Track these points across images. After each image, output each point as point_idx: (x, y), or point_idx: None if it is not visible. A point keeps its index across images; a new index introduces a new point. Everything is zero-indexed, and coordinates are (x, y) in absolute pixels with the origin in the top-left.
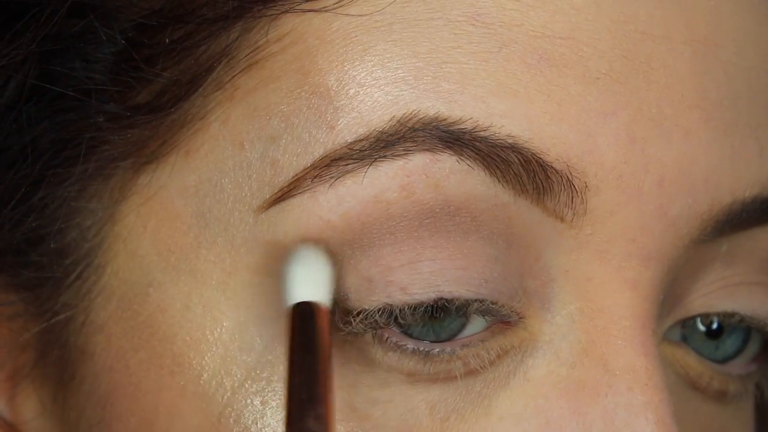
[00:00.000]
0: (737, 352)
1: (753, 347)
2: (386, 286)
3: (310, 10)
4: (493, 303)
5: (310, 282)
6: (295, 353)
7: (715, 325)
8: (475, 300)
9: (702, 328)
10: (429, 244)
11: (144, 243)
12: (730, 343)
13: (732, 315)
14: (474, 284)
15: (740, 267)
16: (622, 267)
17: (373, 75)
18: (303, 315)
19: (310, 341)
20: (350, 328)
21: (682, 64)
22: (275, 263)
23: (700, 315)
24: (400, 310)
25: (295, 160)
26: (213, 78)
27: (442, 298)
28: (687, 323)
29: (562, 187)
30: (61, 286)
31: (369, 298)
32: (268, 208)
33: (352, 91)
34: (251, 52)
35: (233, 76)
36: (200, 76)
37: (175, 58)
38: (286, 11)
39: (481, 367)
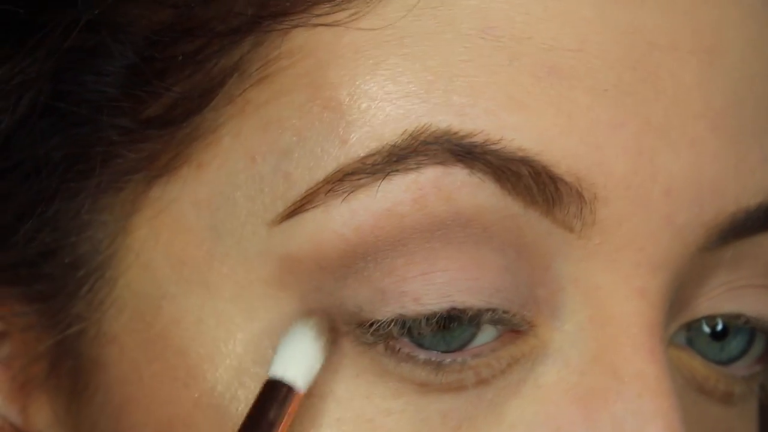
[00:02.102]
0: (742, 353)
1: (757, 348)
2: (400, 296)
3: (321, 25)
4: (504, 312)
5: (292, 361)
6: (245, 422)
7: (719, 327)
8: (488, 309)
9: (707, 330)
10: (441, 255)
11: (156, 256)
12: (735, 345)
13: (737, 316)
14: (486, 294)
15: (745, 271)
16: (630, 276)
17: (384, 89)
18: (270, 392)
19: (263, 420)
20: (364, 339)
21: (689, 74)
22: (289, 276)
23: (705, 317)
24: (413, 320)
25: (307, 174)
26: (224, 92)
27: (455, 308)
28: (692, 326)
29: (572, 199)
30: (73, 298)
31: (382, 309)
32: (281, 221)
33: (363, 105)
34: (262, 65)
35: (244, 90)
36: (212, 90)
37: (186, 71)
38: (297, 25)
39: (492, 376)
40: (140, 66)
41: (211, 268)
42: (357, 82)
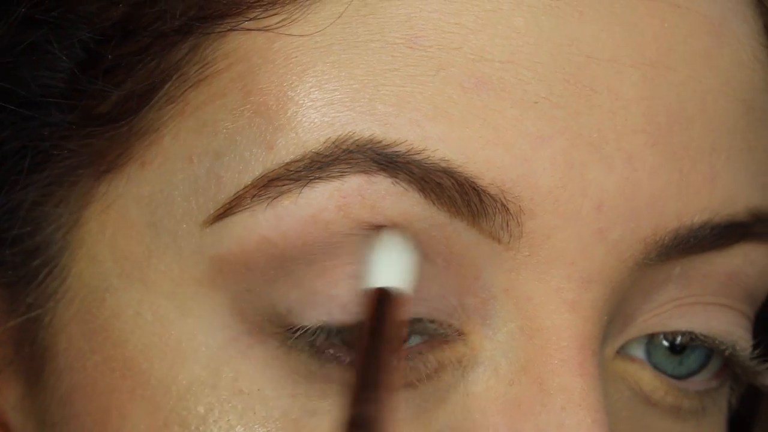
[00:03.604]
0: (701, 367)
1: (716, 363)
2: (328, 301)
3: (253, 29)
4: (430, 322)
5: (391, 268)
6: (365, 338)
7: (678, 340)
8: (413, 320)
9: (665, 343)
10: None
11: (103, 249)
12: (693, 359)
13: (685, 333)
14: (411, 304)
15: (695, 288)
16: (561, 288)
17: (310, 96)
18: (378, 301)
19: (381, 328)
20: (291, 342)
21: (629, 88)
22: (219, 277)
23: (654, 333)
24: (337, 329)
25: (236, 177)
26: (165, 92)
27: None
28: (652, 340)
29: (497, 211)
30: (30, 285)
31: (310, 313)
32: (212, 223)
33: (290, 112)
34: (201, 67)
35: (184, 91)
36: (154, 90)
37: (130, 70)
38: (232, 29)
39: (418, 380)
40: (88, 63)
41: (150, 264)
42: (285, 89)
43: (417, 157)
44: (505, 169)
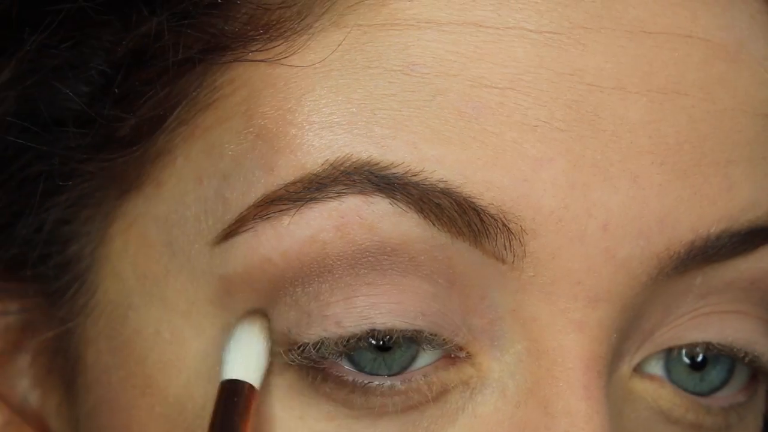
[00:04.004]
0: (723, 383)
1: (740, 377)
2: (323, 320)
3: (256, 60)
4: (432, 335)
5: (241, 360)
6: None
7: (700, 357)
8: (412, 330)
9: (687, 360)
10: (365, 280)
11: (126, 267)
12: (715, 375)
13: (701, 345)
14: (410, 317)
15: (713, 298)
16: (567, 308)
17: (309, 119)
18: (227, 393)
19: (228, 422)
20: (296, 361)
21: (634, 113)
22: (227, 297)
23: (671, 348)
24: (335, 343)
25: (241, 198)
26: (176, 116)
27: (375, 330)
28: (671, 357)
29: (498, 231)
30: (63, 298)
31: (307, 331)
32: (219, 243)
33: (289, 135)
34: (209, 92)
35: (194, 115)
36: (166, 114)
37: (144, 97)
38: (236, 59)
39: (422, 403)
40: (105, 90)
41: (167, 283)
42: (284, 112)
43: (414, 178)
44: (504, 189)
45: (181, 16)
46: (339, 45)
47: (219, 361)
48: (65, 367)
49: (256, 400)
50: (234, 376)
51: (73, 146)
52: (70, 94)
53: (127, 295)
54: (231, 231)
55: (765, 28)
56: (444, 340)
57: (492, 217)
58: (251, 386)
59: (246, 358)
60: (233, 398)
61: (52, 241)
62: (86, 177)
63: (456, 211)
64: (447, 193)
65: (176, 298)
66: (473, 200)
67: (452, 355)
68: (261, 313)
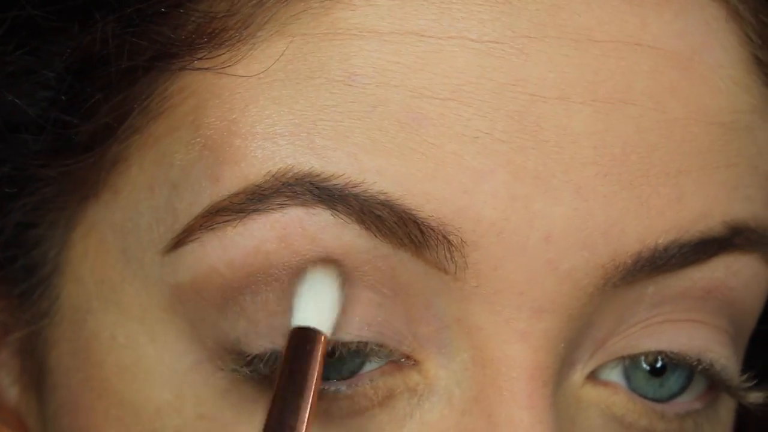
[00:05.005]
0: (682, 389)
1: (700, 384)
2: (270, 331)
3: (202, 69)
4: (379, 345)
5: (312, 307)
6: (281, 379)
7: (659, 364)
8: (357, 343)
9: (646, 366)
10: None
11: (86, 272)
12: (674, 380)
13: (653, 353)
14: (354, 327)
15: (665, 307)
16: (511, 319)
17: (252, 130)
18: (297, 341)
19: (297, 369)
20: (244, 369)
21: (578, 123)
22: (177, 305)
23: (624, 357)
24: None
25: (189, 208)
26: (130, 123)
27: None
28: (631, 363)
29: (438, 242)
30: (28, 301)
31: (257, 342)
32: (169, 252)
33: (234, 146)
34: (160, 101)
35: (147, 122)
36: (119, 121)
37: (98, 103)
38: (182, 68)
39: (369, 407)
40: (59, 95)
41: (122, 289)
42: (228, 123)
43: (355, 189)
44: (444, 201)
45: (128, 24)
46: (281, 55)
47: (172, 366)
48: (34, 368)
49: (325, 346)
50: (306, 324)
51: (30, 151)
52: (17, 102)
53: (86, 300)
54: (179, 241)
55: (722, 34)
56: (390, 350)
57: (432, 230)
58: (323, 334)
59: (318, 305)
60: (305, 345)
61: (17, 245)
62: (47, 181)
63: (396, 223)
64: (387, 204)
65: (131, 303)
66: (413, 212)
67: (399, 361)
68: (332, 260)
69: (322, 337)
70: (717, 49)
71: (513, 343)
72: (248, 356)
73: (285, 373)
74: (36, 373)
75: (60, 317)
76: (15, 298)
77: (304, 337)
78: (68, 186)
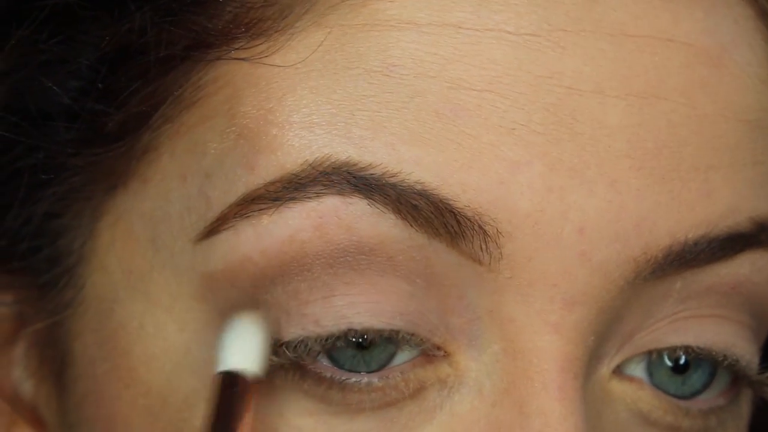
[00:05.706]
0: (705, 386)
1: (722, 380)
2: (301, 318)
3: (239, 59)
4: (410, 335)
5: (237, 350)
6: (209, 423)
7: (682, 360)
8: (390, 330)
9: (669, 363)
10: (343, 280)
11: (113, 261)
12: (696, 378)
13: (680, 348)
14: (387, 316)
15: (692, 302)
16: (543, 310)
17: (289, 119)
18: (224, 384)
19: (226, 413)
20: (275, 360)
21: (613, 117)
22: (209, 293)
23: (651, 351)
24: (314, 341)
25: (223, 197)
26: (162, 113)
27: (352, 329)
28: (654, 360)
29: (474, 233)
30: (52, 291)
31: (287, 330)
32: (201, 240)
33: (270, 134)
34: (194, 90)
35: (180, 112)
36: (152, 110)
37: (131, 92)
38: (219, 57)
39: (399, 400)
40: (92, 85)
41: (151, 278)
42: (265, 112)
43: (392, 179)
44: (480, 191)
45: (165, 13)
46: (319, 45)
47: (201, 356)
48: (55, 358)
49: (257, 391)
50: (231, 368)
51: (62, 140)
52: (55, 88)
53: (113, 290)
54: (212, 229)
55: (749, 33)
56: (421, 339)
57: (468, 220)
58: (248, 377)
59: (243, 348)
60: (231, 389)
61: (42, 234)
62: (75, 171)
63: (432, 213)
64: (424, 194)
65: (160, 293)
66: (450, 202)
67: (430, 354)
68: (257, 304)
69: (247, 380)
70: (745, 47)
71: (544, 335)
72: (279, 344)
73: (213, 416)
74: (57, 364)
75: (85, 307)
76: (36, 289)
77: (229, 381)
78: (95, 176)
